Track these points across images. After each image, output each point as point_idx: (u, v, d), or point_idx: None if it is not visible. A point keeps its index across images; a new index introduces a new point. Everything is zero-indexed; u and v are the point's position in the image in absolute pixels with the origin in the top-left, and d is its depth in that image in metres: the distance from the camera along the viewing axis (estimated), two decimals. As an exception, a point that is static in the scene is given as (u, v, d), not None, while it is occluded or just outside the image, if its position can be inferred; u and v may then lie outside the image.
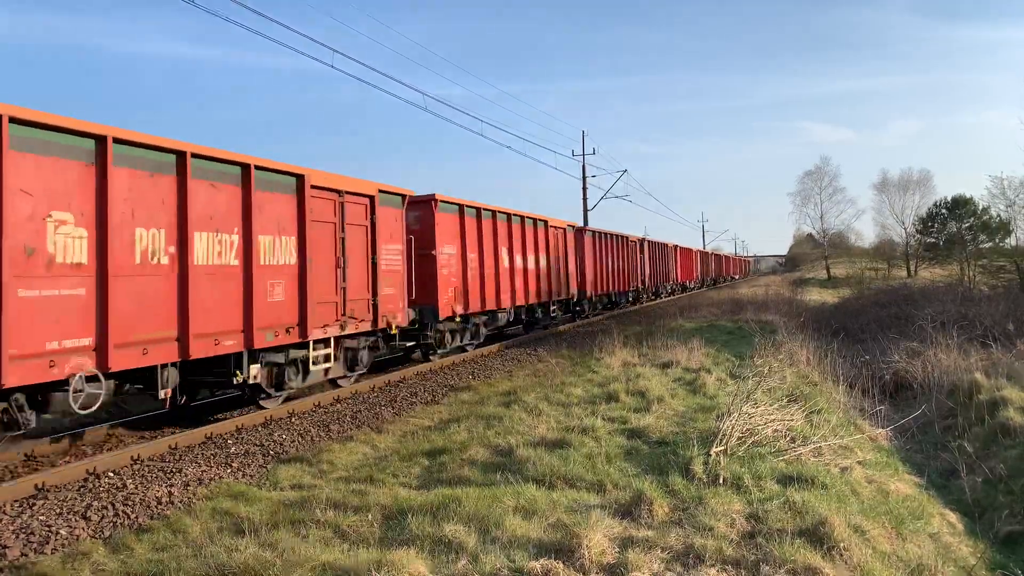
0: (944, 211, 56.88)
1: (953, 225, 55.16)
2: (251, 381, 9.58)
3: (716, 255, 71.29)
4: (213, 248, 8.81)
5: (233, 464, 7.83)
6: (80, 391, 7.17)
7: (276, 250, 9.82)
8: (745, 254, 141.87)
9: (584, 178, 40.21)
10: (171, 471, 7.52)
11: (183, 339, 8.33)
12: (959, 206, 55.02)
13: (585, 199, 40.06)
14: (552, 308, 22.22)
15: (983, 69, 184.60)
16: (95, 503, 6.48)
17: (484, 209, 16.97)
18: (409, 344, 14.48)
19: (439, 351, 15.35)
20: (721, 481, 6.33)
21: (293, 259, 10.14)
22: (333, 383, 12.04)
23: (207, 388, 10.43)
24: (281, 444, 8.72)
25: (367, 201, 12.11)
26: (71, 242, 7.14)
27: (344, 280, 11.32)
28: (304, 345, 10.54)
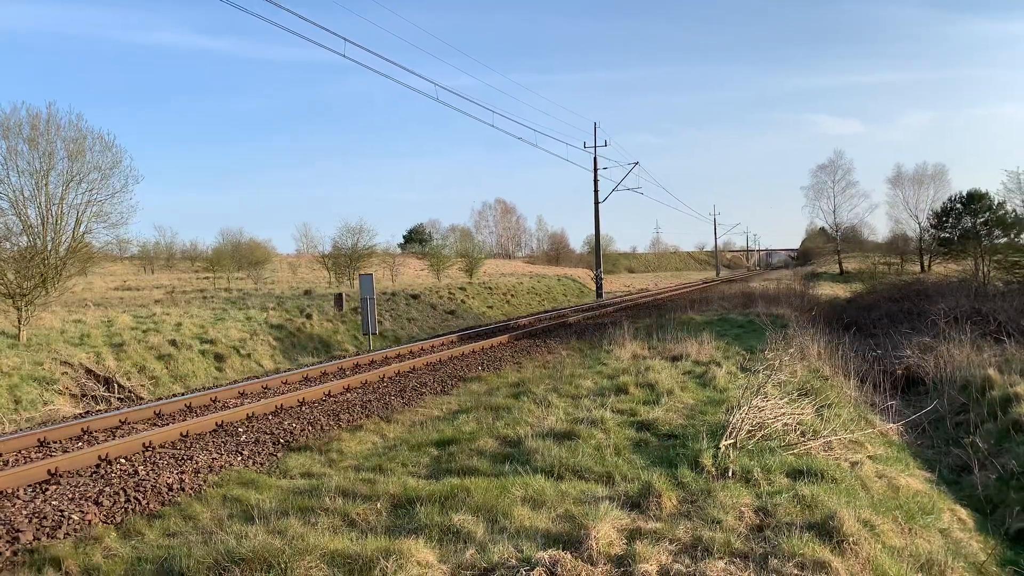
0: (959, 206, 56.32)
1: (968, 220, 54.59)
2: None
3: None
4: None
5: (244, 452, 7.88)
6: None
7: None
8: (758, 247, 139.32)
9: (595, 170, 40.06)
10: (182, 458, 7.58)
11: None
12: (974, 201, 54.47)
13: (596, 191, 39.95)
14: None
15: (998, 63, 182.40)
16: (107, 489, 6.54)
17: None
18: None
19: None
20: (730, 474, 6.32)
21: None
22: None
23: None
24: (291, 432, 8.77)
25: None
26: None
27: None
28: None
